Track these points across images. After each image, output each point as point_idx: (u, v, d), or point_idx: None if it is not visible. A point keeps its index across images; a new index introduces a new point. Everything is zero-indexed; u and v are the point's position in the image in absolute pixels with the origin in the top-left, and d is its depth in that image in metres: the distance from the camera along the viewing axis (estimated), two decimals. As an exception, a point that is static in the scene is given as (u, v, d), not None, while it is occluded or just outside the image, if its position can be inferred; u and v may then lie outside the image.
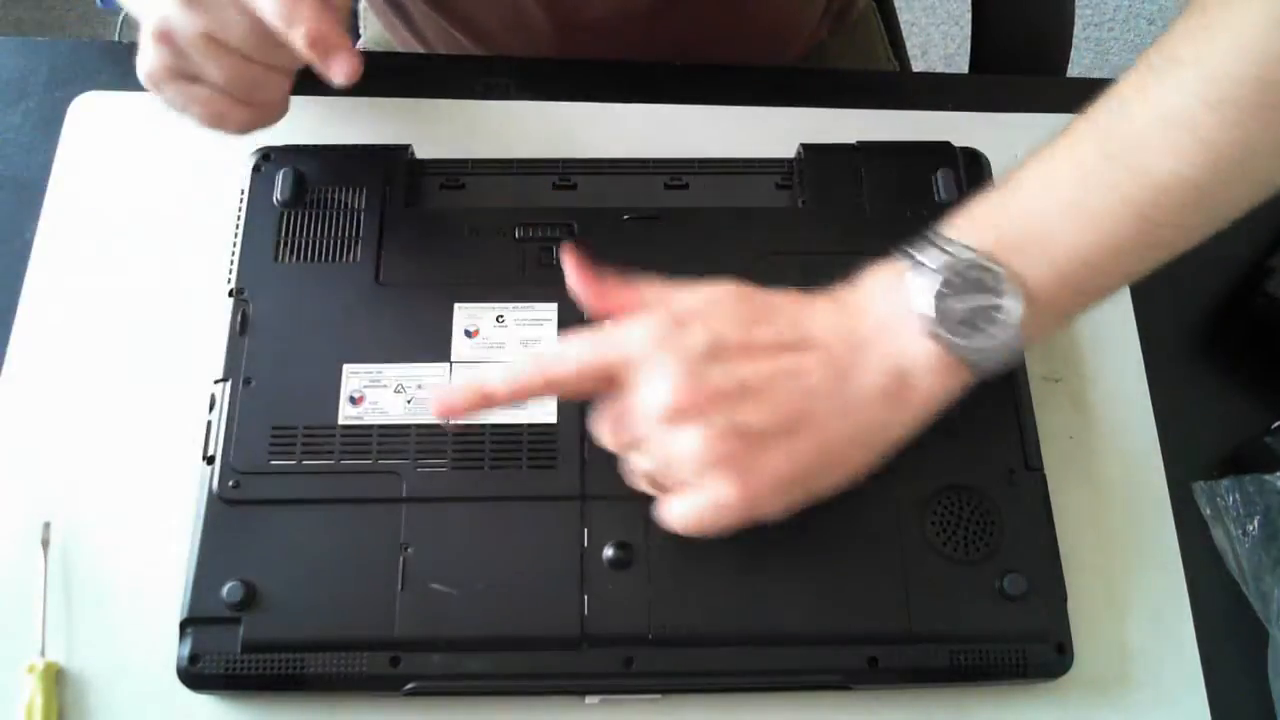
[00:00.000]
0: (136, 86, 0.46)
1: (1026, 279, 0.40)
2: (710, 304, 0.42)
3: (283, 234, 0.51)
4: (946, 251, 0.40)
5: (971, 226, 0.41)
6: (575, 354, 0.41)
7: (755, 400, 0.39)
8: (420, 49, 0.72)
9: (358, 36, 0.83)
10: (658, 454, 0.41)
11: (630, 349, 0.41)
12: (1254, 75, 0.36)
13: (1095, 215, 0.39)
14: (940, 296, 0.40)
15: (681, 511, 0.40)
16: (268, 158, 0.53)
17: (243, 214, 0.52)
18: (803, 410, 0.40)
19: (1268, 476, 0.50)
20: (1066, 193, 0.40)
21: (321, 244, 0.51)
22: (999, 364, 0.41)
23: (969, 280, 0.40)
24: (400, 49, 0.76)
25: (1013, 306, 0.39)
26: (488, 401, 0.41)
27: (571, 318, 0.49)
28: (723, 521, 0.40)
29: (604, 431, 0.42)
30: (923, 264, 0.41)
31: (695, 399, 0.39)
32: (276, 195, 0.51)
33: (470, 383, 0.41)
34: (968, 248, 0.40)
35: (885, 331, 0.41)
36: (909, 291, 0.40)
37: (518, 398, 0.42)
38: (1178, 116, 0.37)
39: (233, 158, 0.53)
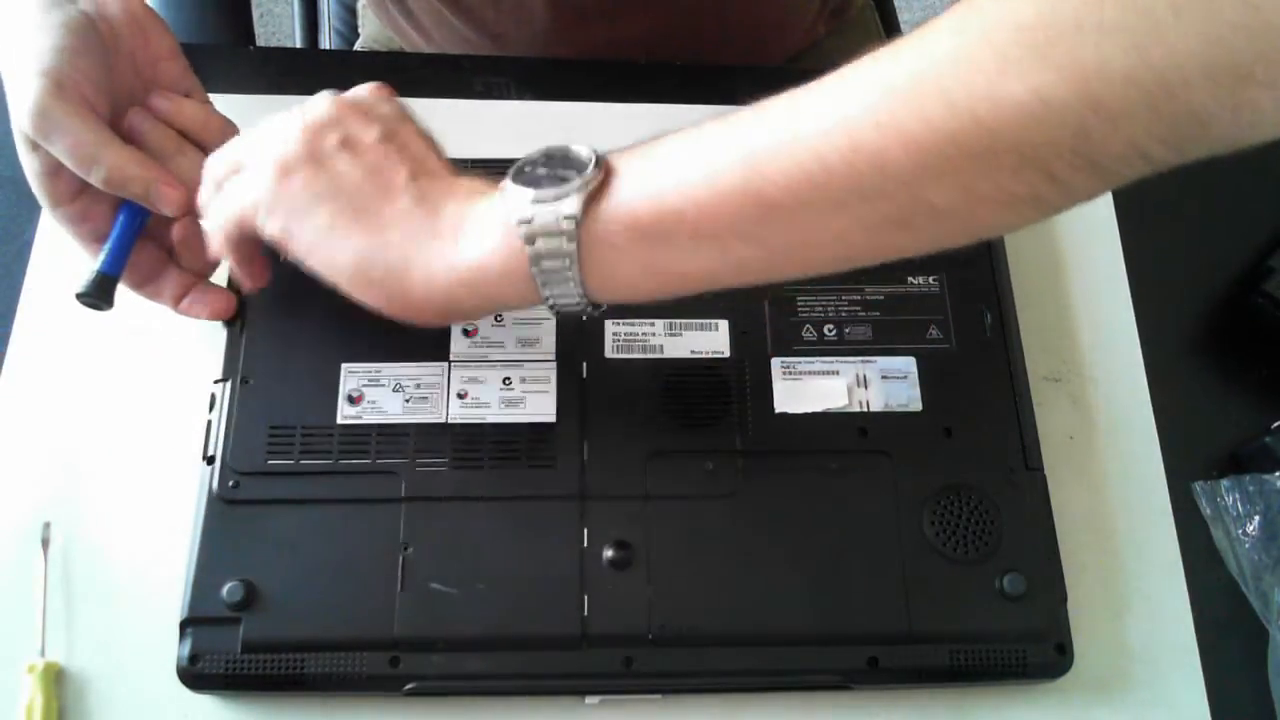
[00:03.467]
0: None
1: (617, 176, 0.37)
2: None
3: None
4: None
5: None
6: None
7: (348, 154, 0.41)
8: (418, 39, 0.72)
9: (356, 36, 0.83)
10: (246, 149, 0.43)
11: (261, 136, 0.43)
12: (916, 70, 0.33)
13: (710, 149, 0.37)
14: (528, 161, 0.39)
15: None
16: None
17: None
18: (379, 179, 0.40)
19: (1268, 476, 0.50)
20: (700, 128, 0.38)
21: None
22: (552, 247, 0.37)
23: (562, 157, 0.38)
24: (398, 39, 0.76)
25: (579, 181, 0.37)
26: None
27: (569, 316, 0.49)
28: (239, 202, 0.42)
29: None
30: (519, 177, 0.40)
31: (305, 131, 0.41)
32: None
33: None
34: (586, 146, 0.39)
35: (475, 189, 0.41)
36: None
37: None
38: (831, 86, 0.35)
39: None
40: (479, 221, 0.39)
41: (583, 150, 0.38)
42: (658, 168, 0.37)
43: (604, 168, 0.37)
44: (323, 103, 0.42)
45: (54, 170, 0.45)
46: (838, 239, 0.36)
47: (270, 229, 0.41)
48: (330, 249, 0.40)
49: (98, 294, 0.45)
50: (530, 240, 0.37)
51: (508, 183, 0.38)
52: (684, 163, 0.36)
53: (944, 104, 0.32)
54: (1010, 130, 0.32)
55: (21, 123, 0.43)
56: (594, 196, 0.37)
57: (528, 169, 0.39)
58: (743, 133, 0.36)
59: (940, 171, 0.33)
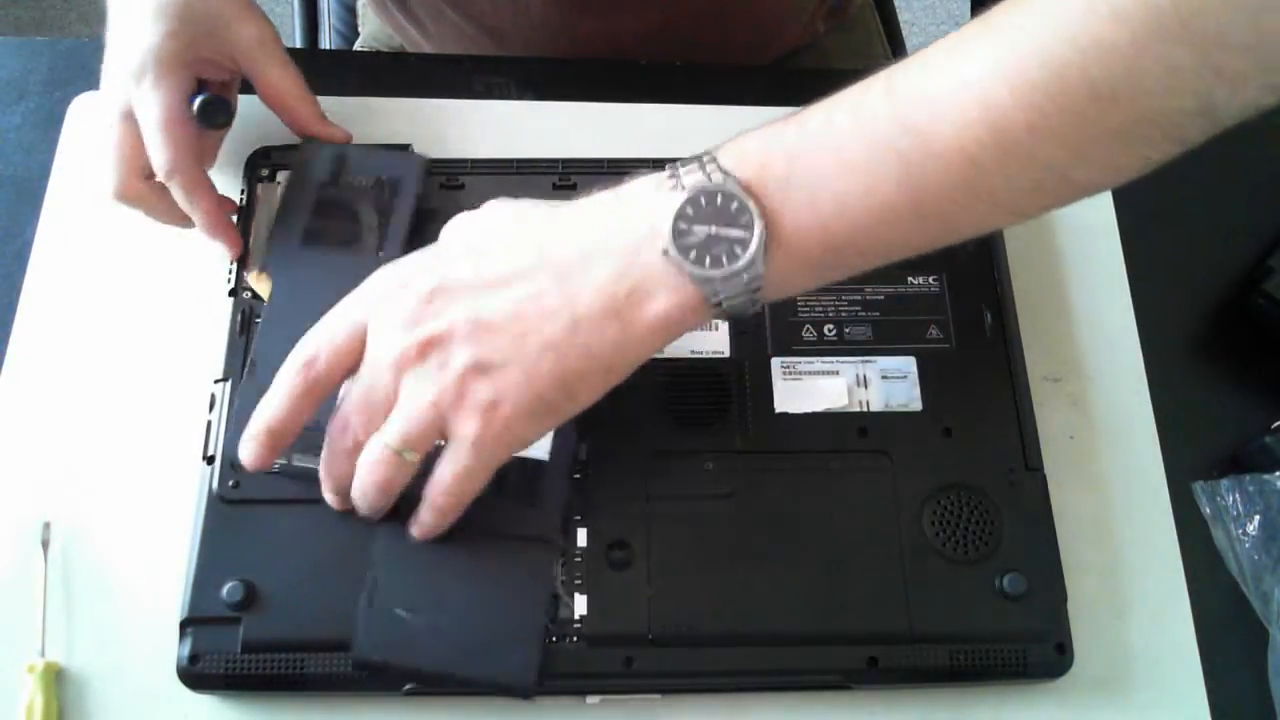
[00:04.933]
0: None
1: (781, 220, 0.38)
2: (442, 246, 0.42)
3: (315, 220, 0.50)
4: (705, 172, 0.38)
5: (741, 152, 0.39)
6: (318, 339, 0.41)
7: (483, 334, 0.39)
8: (417, 35, 0.72)
9: (355, 35, 0.83)
10: (400, 415, 0.40)
11: (360, 313, 0.41)
12: (1059, 60, 0.34)
13: (866, 169, 0.37)
14: (680, 216, 0.38)
15: (442, 474, 0.40)
16: (267, 156, 0.53)
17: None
18: (533, 334, 0.39)
19: (1268, 476, 0.50)
20: (844, 140, 0.37)
21: (349, 233, 0.50)
22: (739, 303, 0.38)
23: (715, 207, 0.38)
24: (397, 37, 0.76)
25: (755, 244, 0.37)
26: (277, 437, 0.41)
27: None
28: (481, 463, 0.40)
29: (351, 415, 0.41)
30: (678, 180, 0.39)
31: (417, 343, 0.39)
32: (319, 179, 0.51)
33: (251, 431, 0.41)
34: (727, 173, 0.38)
35: (624, 244, 0.39)
36: (656, 206, 0.39)
37: (295, 414, 0.41)
38: (973, 84, 0.35)
39: (233, 159, 0.54)
40: (662, 307, 0.39)
41: (736, 196, 0.38)
42: (818, 198, 0.37)
43: (766, 216, 0.37)
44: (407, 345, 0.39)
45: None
46: (986, 223, 0.39)
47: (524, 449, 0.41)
48: (571, 410, 0.40)
49: (217, 106, 0.49)
50: (719, 304, 0.38)
51: (676, 257, 0.38)
52: (843, 192, 0.37)
53: (1089, 93, 0.34)
54: (1148, 106, 0.34)
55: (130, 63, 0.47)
56: (767, 247, 0.38)
57: (683, 227, 0.38)
58: (891, 141, 0.37)
59: (1088, 155, 0.36)
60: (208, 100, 0.49)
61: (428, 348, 0.39)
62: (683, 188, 0.38)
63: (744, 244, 0.37)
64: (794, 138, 0.38)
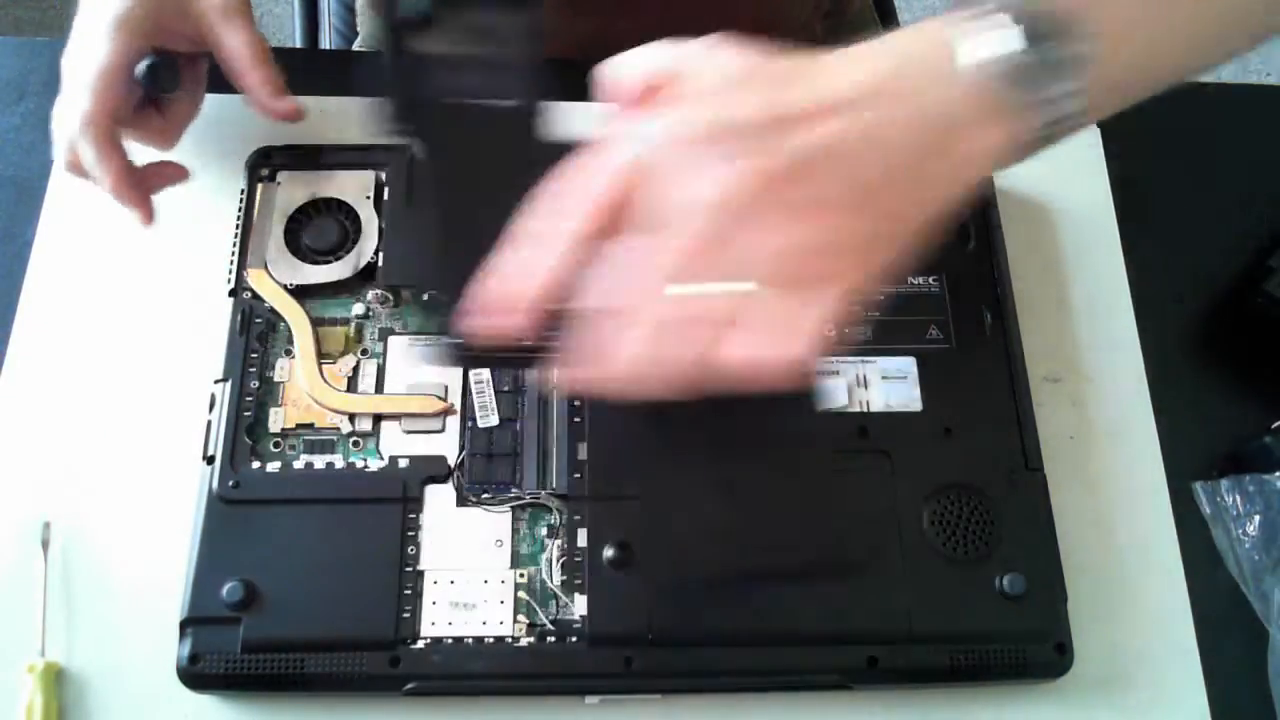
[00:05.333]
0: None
1: (1095, 41, 0.36)
2: (727, 80, 0.38)
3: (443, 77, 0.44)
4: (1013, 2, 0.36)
5: None
6: (599, 181, 0.35)
7: (813, 171, 0.34)
8: None
9: (355, 35, 0.83)
10: (722, 264, 0.33)
11: (651, 153, 0.35)
12: None
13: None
14: (995, 42, 0.35)
15: (797, 323, 0.33)
16: (267, 156, 0.53)
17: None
18: (856, 176, 0.35)
19: (1268, 476, 0.50)
20: None
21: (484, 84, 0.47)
22: (1060, 128, 0.36)
23: (1033, 29, 0.35)
24: None
25: (1078, 66, 0.35)
26: (532, 300, 0.34)
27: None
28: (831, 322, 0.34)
29: (655, 264, 0.33)
30: (987, 10, 0.36)
31: (749, 175, 0.33)
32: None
33: (505, 292, 0.34)
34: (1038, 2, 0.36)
35: (932, 78, 0.36)
36: (967, 36, 0.36)
37: (566, 271, 0.34)
38: None
39: (232, 159, 0.54)
40: (985, 137, 0.36)
41: (1053, 18, 0.35)
42: (1125, 21, 0.37)
43: (1083, 39, 0.36)
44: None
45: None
46: (1262, 33, 0.40)
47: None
48: (889, 256, 0.36)
49: (162, 68, 0.48)
50: (1042, 130, 0.36)
51: (997, 83, 0.35)
52: (1150, 17, 0.38)
53: None
54: None
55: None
56: (1087, 69, 0.36)
57: (1000, 53, 0.35)
58: None
59: None
60: (154, 62, 0.48)
61: (764, 183, 0.34)
62: (994, 16, 0.36)
63: (1066, 66, 0.35)
64: None
